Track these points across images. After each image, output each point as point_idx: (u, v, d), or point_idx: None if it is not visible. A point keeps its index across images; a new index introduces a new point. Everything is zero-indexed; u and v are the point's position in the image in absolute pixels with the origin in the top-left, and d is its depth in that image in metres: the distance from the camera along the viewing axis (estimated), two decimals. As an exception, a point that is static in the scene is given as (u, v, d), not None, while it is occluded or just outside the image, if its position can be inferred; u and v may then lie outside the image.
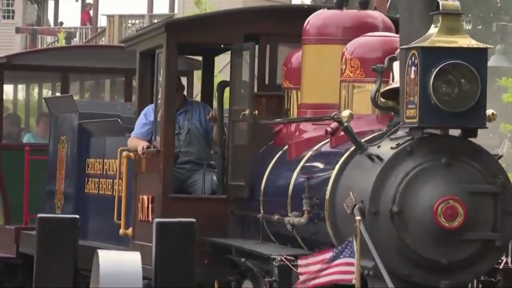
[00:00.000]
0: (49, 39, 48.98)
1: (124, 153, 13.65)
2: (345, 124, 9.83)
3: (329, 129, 10.58)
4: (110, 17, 51.53)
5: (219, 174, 12.92)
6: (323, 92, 11.40)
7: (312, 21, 11.63)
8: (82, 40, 50.90)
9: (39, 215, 10.09)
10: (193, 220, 10.18)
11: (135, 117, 13.63)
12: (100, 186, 15.81)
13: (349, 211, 9.58)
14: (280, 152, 11.81)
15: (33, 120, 21.49)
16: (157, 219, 9.71)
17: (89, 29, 51.37)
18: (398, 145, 9.53)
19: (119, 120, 15.16)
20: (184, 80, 14.87)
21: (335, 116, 10.04)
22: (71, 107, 16.66)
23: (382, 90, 10.23)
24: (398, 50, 9.96)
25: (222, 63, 15.21)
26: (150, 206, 12.86)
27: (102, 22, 53.22)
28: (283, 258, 10.04)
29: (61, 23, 56.65)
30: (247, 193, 12.09)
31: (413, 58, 9.31)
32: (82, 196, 16.33)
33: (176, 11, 49.36)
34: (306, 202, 10.31)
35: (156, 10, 52.67)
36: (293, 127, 11.81)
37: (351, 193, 9.65)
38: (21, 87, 22.57)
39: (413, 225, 9.38)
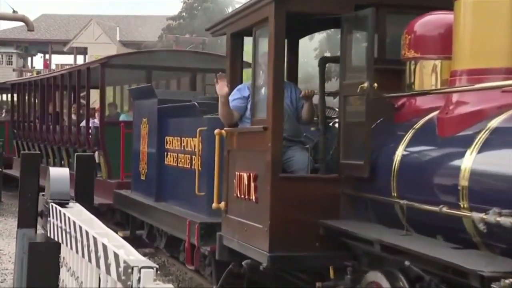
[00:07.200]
0: (28, 74, 48.17)
1: (216, 131, 7.13)
2: None
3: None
4: (57, 64, 53.05)
5: (321, 152, 6.33)
6: (485, 56, 4.66)
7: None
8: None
9: (22, 152, 7.41)
10: (91, 154, 8.56)
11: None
12: (179, 160, 9.50)
13: None
14: (413, 130, 5.13)
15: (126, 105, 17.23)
16: (77, 154, 7.43)
17: (47, 70, 51.12)
18: None
19: (196, 103, 9.10)
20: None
21: None
22: (151, 95, 10.68)
23: None
24: None
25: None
26: (252, 184, 6.16)
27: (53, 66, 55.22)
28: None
29: (34, 67, 58.87)
30: (367, 173, 5.44)
31: None
32: (162, 167, 10.16)
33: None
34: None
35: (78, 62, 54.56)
36: (433, 100, 5.17)
37: None
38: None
39: None
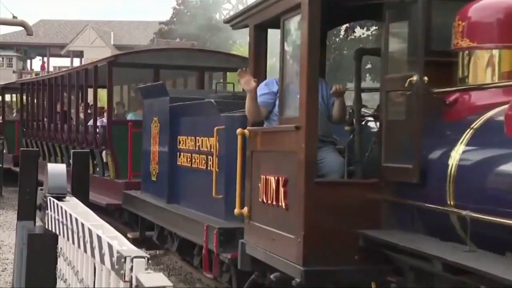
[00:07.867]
0: (28, 76, 48.03)
1: (239, 130, 6.16)
2: None
3: None
4: (55, 67, 53.00)
5: (358, 154, 5.43)
6: None
7: None
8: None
9: (21, 149, 6.54)
10: (87, 151, 7.95)
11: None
12: (193, 160, 8.53)
13: None
14: (472, 130, 4.25)
15: (133, 104, 15.39)
16: (73, 150, 6.48)
17: (45, 72, 53.00)
18: None
19: (213, 101, 8.08)
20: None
21: None
22: (162, 93, 9.75)
23: None
24: None
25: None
26: (281, 189, 5.27)
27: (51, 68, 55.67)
28: None
29: (33, 69, 59.37)
30: (417, 178, 4.54)
31: None
32: (175, 167, 9.19)
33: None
34: None
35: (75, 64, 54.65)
36: (491, 95, 4.31)
37: None
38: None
39: None
